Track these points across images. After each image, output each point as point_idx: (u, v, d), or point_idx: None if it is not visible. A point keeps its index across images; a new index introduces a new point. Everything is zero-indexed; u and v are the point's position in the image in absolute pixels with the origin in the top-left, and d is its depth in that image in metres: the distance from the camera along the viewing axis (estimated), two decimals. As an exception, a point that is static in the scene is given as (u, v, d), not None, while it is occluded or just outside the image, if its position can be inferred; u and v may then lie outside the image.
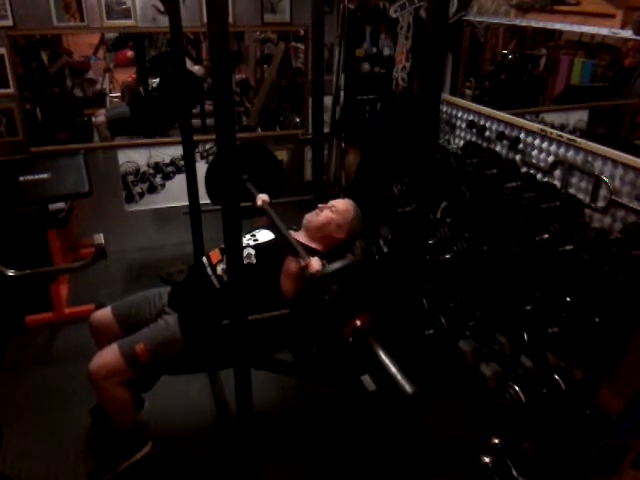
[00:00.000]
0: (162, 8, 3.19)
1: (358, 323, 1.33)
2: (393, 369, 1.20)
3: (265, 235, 2.05)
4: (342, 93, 3.57)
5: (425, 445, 2.18)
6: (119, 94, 4.87)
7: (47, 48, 3.96)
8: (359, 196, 2.88)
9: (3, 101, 3.15)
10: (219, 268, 1.94)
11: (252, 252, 1.95)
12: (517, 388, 1.93)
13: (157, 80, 4.38)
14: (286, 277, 1.89)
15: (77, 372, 2.43)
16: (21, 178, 2.75)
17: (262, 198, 2.29)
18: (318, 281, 1.29)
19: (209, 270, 1.96)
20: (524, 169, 2.38)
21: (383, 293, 1.36)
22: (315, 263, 1.75)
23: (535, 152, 2.34)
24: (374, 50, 3.65)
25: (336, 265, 1.30)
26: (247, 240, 2.01)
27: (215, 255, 2.01)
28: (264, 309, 1.73)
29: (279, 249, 1.96)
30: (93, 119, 4.02)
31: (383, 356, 1.24)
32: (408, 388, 1.15)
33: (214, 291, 1.92)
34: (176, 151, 3.48)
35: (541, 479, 1.87)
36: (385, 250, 2.61)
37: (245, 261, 1.89)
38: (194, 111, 4.13)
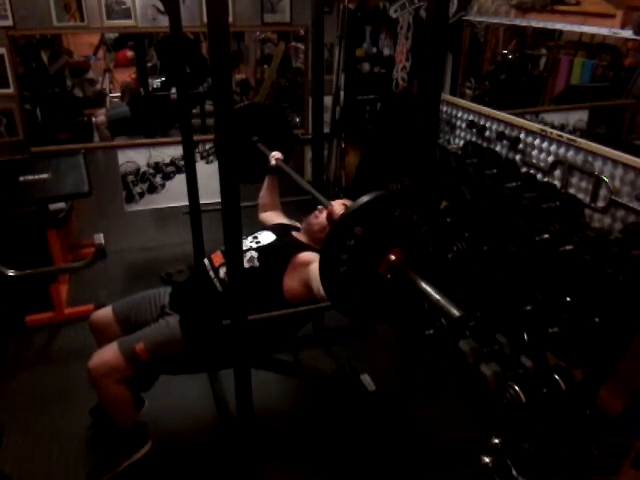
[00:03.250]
0: (162, 8, 3.19)
1: (392, 258, 1.29)
2: (436, 296, 1.16)
3: (267, 237, 2.04)
4: (342, 93, 3.57)
5: (425, 445, 2.19)
6: (119, 94, 4.86)
7: (47, 48, 3.95)
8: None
9: (3, 101, 3.15)
10: (222, 271, 1.92)
11: (255, 255, 1.93)
12: (517, 388, 1.93)
13: (158, 81, 4.38)
14: (293, 275, 1.87)
15: (77, 372, 2.44)
16: (21, 178, 2.75)
17: (275, 156, 2.24)
18: (345, 220, 1.24)
19: (211, 273, 1.95)
20: (524, 169, 2.38)
21: (411, 222, 1.29)
22: (338, 207, 1.74)
23: (535, 152, 2.34)
24: (374, 50, 3.65)
25: (362, 199, 1.23)
26: (249, 243, 2.00)
27: (217, 258, 1.99)
28: (265, 311, 1.73)
29: (282, 250, 1.95)
30: (93, 119, 4.02)
31: (424, 285, 1.20)
32: (455, 312, 1.11)
33: (216, 294, 1.91)
34: (176, 151, 3.48)
35: (541, 479, 1.87)
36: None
37: (248, 265, 1.89)
38: (194, 111, 4.13)
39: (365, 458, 2.15)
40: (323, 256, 1.26)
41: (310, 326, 2.75)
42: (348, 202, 2.09)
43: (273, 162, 2.23)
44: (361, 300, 1.33)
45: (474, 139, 2.73)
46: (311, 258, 1.84)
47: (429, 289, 1.19)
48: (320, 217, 2.03)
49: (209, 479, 2.08)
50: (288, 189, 2.50)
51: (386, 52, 3.60)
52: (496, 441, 1.97)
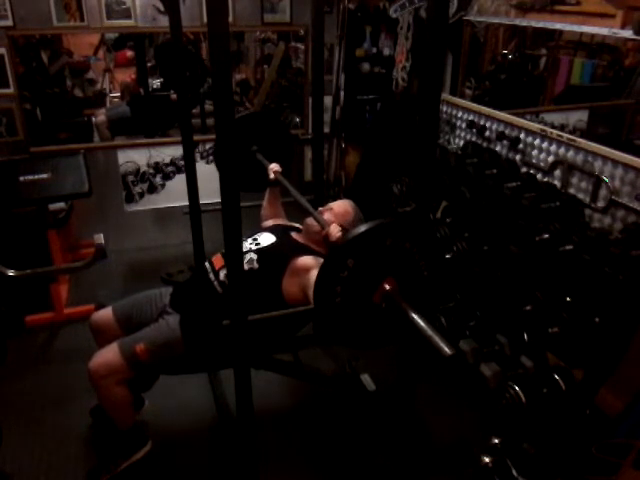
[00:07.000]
0: (162, 8, 3.20)
1: (387, 287, 1.28)
2: (429, 331, 1.14)
3: (266, 238, 2.03)
4: (342, 93, 3.58)
5: (425, 445, 2.19)
6: (119, 94, 4.87)
7: (47, 48, 3.95)
8: (359, 196, 2.88)
9: (3, 101, 3.15)
10: (222, 274, 1.92)
11: (254, 257, 1.92)
12: (517, 388, 1.93)
13: (158, 81, 4.39)
14: (292, 278, 1.86)
15: (77, 372, 2.43)
16: (21, 178, 2.75)
17: (274, 169, 2.22)
18: (342, 247, 1.23)
19: (212, 275, 1.95)
20: (524, 169, 2.38)
21: (405, 251, 1.29)
22: (334, 230, 1.73)
23: (535, 152, 2.34)
24: (374, 50, 3.65)
25: (360, 229, 1.22)
26: (249, 244, 1.99)
27: (218, 260, 1.99)
28: (265, 313, 1.73)
29: (281, 252, 1.95)
30: (93, 119, 4.02)
31: (417, 318, 1.18)
32: (446, 350, 1.10)
33: (217, 297, 1.91)
34: (176, 151, 3.48)
35: (541, 479, 1.87)
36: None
37: (247, 266, 1.88)
38: (194, 111, 4.13)
39: (365, 458, 2.15)
40: (318, 289, 1.26)
41: (310, 326, 2.74)
42: (349, 205, 2.08)
43: (272, 175, 2.22)
44: (358, 329, 1.33)
45: (474, 139, 2.74)
46: (309, 264, 1.82)
47: (422, 323, 1.17)
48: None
49: (209, 479, 2.09)
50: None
51: (386, 52, 3.60)
52: (496, 441, 1.97)
